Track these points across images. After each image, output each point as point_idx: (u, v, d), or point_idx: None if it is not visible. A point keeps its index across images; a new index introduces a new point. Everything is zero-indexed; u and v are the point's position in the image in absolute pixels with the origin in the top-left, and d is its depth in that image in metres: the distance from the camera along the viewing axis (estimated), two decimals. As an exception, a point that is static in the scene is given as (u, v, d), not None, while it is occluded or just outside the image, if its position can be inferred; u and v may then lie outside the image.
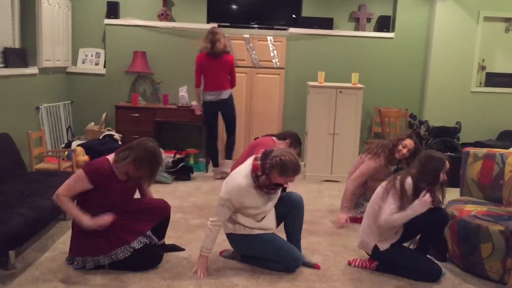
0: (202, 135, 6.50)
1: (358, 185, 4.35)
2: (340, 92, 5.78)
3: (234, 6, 6.59)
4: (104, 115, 6.20)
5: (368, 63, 6.50)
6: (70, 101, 6.33)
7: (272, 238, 3.36)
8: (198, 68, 5.64)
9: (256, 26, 6.49)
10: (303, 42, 6.44)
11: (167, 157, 5.84)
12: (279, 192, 3.40)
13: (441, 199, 3.41)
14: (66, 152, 5.11)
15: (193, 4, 6.40)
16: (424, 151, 3.63)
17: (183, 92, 6.29)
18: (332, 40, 6.45)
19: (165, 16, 6.31)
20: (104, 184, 3.15)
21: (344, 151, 5.85)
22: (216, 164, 5.93)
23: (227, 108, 5.77)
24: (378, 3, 6.52)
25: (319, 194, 5.35)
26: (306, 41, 6.44)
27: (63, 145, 5.74)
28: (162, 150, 5.23)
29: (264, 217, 3.33)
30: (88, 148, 5.41)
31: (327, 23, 6.42)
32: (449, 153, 5.96)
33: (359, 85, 5.84)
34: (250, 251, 3.41)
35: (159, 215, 3.43)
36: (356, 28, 6.54)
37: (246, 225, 3.30)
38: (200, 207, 4.72)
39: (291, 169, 3.13)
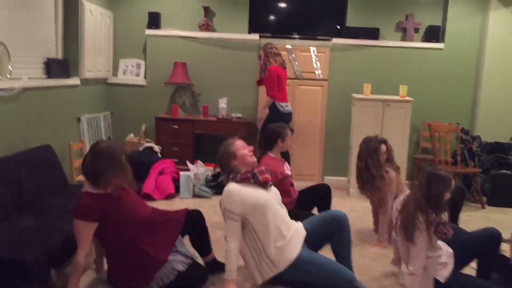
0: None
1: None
2: (388, 105, 5.53)
3: (276, 17, 6.43)
4: (143, 127, 6.13)
5: (415, 75, 6.22)
6: (110, 112, 6.28)
7: (320, 260, 3.08)
8: (276, 79, 5.44)
9: (298, 36, 6.32)
10: (347, 53, 6.22)
11: (207, 170, 5.71)
12: (270, 183, 3.13)
13: (456, 223, 3.13)
14: (106, 164, 5.01)
15: (234, 15, 6.28)
16: (426, 171, 3.24)
17: (223, 103, 6.15)
18: (378, 51, 6.21)
19: (206, 26, 6.21)
20: (105, 211, 2.93)
21: (391, 166, 5.58)
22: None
23: (290, 120, 5.68)
24: (426, 12, 6.25)
25: (366, 213, 5.08)
26: (351, 52, 6.22)
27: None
28: (190, 163, 5.15)
29: (283, 219, 3.04)
30: (128, 160, 5.31)
31: (372, 34, 6.19)
32: (503, 171, 5.63)
33: (407, 98, 5.58)
34: (298, 279, 3.07)
35: (178, 222, 3.17)
36: (403, 39, 6.28)
37: (278, 243, 2.96)
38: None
39: (237, 138, 3.20)
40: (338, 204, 5.10)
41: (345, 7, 6.31)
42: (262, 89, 5.75)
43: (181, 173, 5.36)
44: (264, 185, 3.05)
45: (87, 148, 5.34)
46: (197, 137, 6.05)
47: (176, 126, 5.91)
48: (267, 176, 3.10)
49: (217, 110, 6.20)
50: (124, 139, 6.11)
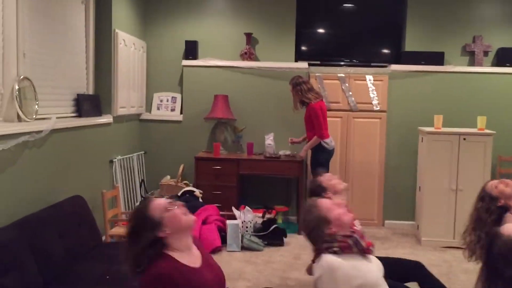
0: (290, 189, 5.65)
1: None
2: (464, 139, 4.79)
3: (325, 42, 5.79)
4: (181, 167, 5.47)
5: (488, 103, 5.48)
6: (143, 152, 5.66)
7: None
8: (321, 116, 4.87)
9: (351, 63, 5.67)
10: (408, 80, 5.53)
11: (255, 216, 5.00)
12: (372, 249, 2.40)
13: None
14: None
15: (279, 41, 5.67)
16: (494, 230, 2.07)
17: (269, 140, 5.48)
18: (444, 77, 5.50)
19: (248, 55, 5.60)
20: (180, 280, 2.03)
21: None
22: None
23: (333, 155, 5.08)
24: (496, 34, 5.56)
25: (450, 268, 4.29)
26: (412, 79, 5.53)
27: (138, 204, 5.01)
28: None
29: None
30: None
31: (436, 58, 5.50)
32: None
33: (487, 131, 4.83)
34: None
35: None
36: (471, 63, 5.58)
37: None
38: (308, 285, 3.79)
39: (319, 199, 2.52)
40: (411, 255, 4.33)
41: (403, 29, 5.67)
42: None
43: (228, 222, 4.66)
44: (366, 252, 2.34)
45: (120, 194, 4.70)
46: (241, 179, 5.37)
47: (218, 167, 5.24)
48: (368, 240, 2.39)
49: (263, 147, 5.53)
50: (159, 182, 5.45)
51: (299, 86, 4.96)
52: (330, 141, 4.99)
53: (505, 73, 5.44)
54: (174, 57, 5.74)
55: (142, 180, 5.51)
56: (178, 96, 5.77)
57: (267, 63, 5.60)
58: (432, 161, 4.82)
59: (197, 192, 5.03)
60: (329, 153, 5.02)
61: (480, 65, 5.51)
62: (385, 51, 5.72)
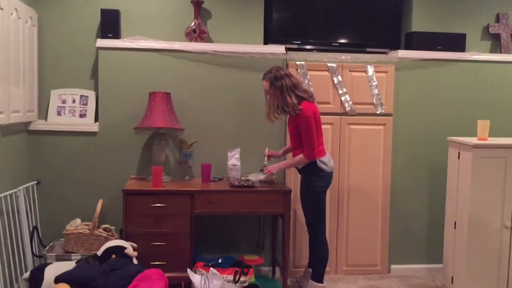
0: (263, 229, 3.92)
1: None
2: (524, 154, 3.36)
3: (308, 19, 4.09)
4: (99, 205, 3.48)
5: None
6: (35, 182, 3.62)
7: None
8: (314, 126, 3.28)
9: (342, 48, 4.05)
10: (420, 72, 4.03)
11: (225, 280, 3.21)
12: None
13: None
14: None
15: (242, 16, 3.91)
16: None
17: (234, 159, 3.70)
18: (466, 68, 4.07)
19: (198, 34, 3.78)
20: None
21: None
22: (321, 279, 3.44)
23: None
24: (524, 11, 4.25)
25: None
26: (426, 70, 4.04)
27: (26, 275, 2.95)
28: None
29: None
30: (79, 283, 2.70)
31: (456, 42, 4.06)
32: None
33: (554, 142, 3.45)
34: None
35: None
36: (494, 49, 4.21)
37: None
38: None
39: None
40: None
41: (406, 3, 4.15)
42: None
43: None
44: None
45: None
46: (198, 222, 3.52)
47: (160, 204, 3.35)
48: None
49: (224, 169, 3.74)
50: (63, 231, 3.43)
51: (280, 81, 3.26)
52: (328, 160, 3.38)
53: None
54: (83, 35, 3.76)
55: (34, 228, 3.47)
56: (91, 94, 3.79)
57: (226, 46, 3.80)
58: (477, 186, 3.34)
59: (130, 249, 3.11)
60: (328, 177, 3.41)
61: (508, 51, 4.15)
62: (389, 32, 4.15)
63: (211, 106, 3.82)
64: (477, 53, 4.05)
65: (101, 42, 3.68)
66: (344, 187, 3.95)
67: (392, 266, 4.07)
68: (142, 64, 3.74)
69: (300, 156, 3.29)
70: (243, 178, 3.65)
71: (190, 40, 3.79)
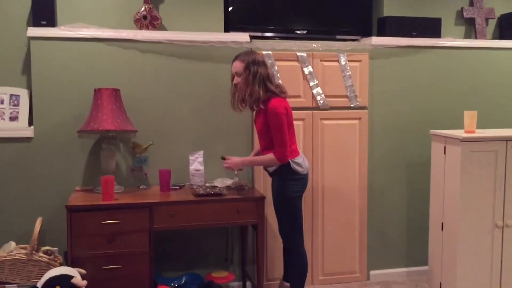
0: (231, 241, 3.49)
1: None
2: (515, 146, 3.11)
3: (271, 2, 3.66)
4: (37, 224, 2.92)
5: (495, 89, 3.92)
6: (-42, 200, 3.02)
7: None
8: (285, 123, 2.88)
9: (310, 36, 3.66)
10: (395, 60, 3.71)
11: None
12: None
13: None
14: None
15: (199, 1, 3.43)
16: None
17: (196, 163, 3.24)
18: (442, 55, 3.79)
19: (150, 20, 3.27)
20: None
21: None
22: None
23: None
24: (497, -5, 4.02)
25: None
26: (401, 58, 3.72)
27: None
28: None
29: None
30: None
31: (431, 27, 3.77)
32: None
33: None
34: None
35: None
36: (468, 34, 3.96)
37: None
38: None
39: None
40: None
41: (380, -14, 3.83)
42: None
43: None
44: None
45: None
46: (156, 237, 3.02)
47: (112, 221, 2.84)
48: None
49: (185, 175, 3.28)
50: (-5, 257, 2.86)
51: (256, 67, 2.86)
52: (302, 161, 2.99)
53: (518, 49, 3.92)
54: (10, 22, 3.17)
55: (-41, 257, 2.87)
56: (24, 93, 3.20)
57: (183, 34, 3.32)
58: (467, 183, 3.05)
59: (77, 277, 2.58)
60: (304, 180, 3.02)
61: (483, 37, 3.91)
62: (355, 17, 3.80)
63: (167, 104, 3.33)
64: (453, 39, 3.78)
65: (33, 31, 3.10)
66: (318, 188, 3.58)
67: (371, 272, 3.76)
68: (84, 57, 3.19)
69: (270, 155, 2.88)
70: (208, 184, 3.20)
71: (140, 28, 3.28)
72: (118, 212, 2.85)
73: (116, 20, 3.29)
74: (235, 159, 2.99)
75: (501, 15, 3.99)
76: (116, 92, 3.09)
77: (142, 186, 3.25)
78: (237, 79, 2.90)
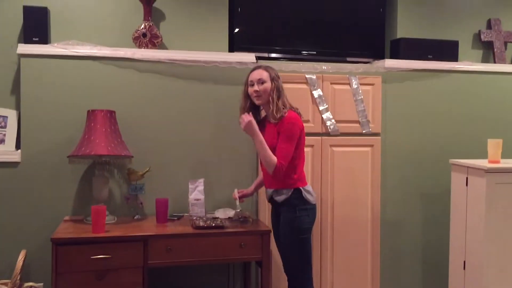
0: (232, 281, 3.20)
1: None
2: (544, 179, 2.85)
3: (279, 22, 3.46)
4: (20, 257, 2.64)
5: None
6: None
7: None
8: (297, 136, 2.67)
9: (320, 58, 3.45)
10: (410, 84, 3.50)
11: None
12: None
13: None
14: None
15: (202, 18, 3.24)
16: None
17: (197, 191, 2.99)
18: (459, 79, 3.57)
19: (149, 39, 3.07)
20: None
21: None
22: None
23: None
24: (514, 17, 3.83)
25: None
26: (416, 82, 3.50)
27: None
28: None
29: None
30: None
31: (447, 50, 3.56)
32: None
33: None
34: None
35: None
36: (486, 58, 3.76)
37: None
38: None
39: None
40: None
41: (388, 7, 3.64)
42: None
43: None
44: None
45: None
46: (151, 274, 2.75)
47: (103, 255, 2.57)
48: None
49: (185, 205, 3.02)
50: (-28, 294, 2.58)
51: (280, 81, 2.71)
52: (311, 190, 2.73)
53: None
54: (0, 37, 2.96)
55: None
56: (12, 114, 2.97)
57: (185, 54, 3.11)
58: (492, 218, 2.79)
59: (61, 320, 2.31)
60: (314, 211, 2.77)
61: (503, 61, 3.71)
62: (367, 38, 3.60)
63: (166, 127, 3.10)
64: (471, 63, 3.57)
65: (24, 48, 2.89)
66: (328, 220, 3.32)
67: (385, 311, 3.46)
68: (78, 76, 2.97)
69: (274, 158, 2.59)
70: (208, 215, 2.94)
71: (140, 46, 3.07)
72: (110, 246, 2.58)
73: (114, 38, 3.09)
74: (252, 123, 2.63)
75: (520, 39, 3.79)
76: (111, 114, 2.86)
77: (137, 217, 2.99)
78: (260, 86, 2.67)
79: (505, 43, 3.74)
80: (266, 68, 2.72)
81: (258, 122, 2.74)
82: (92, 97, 2.97)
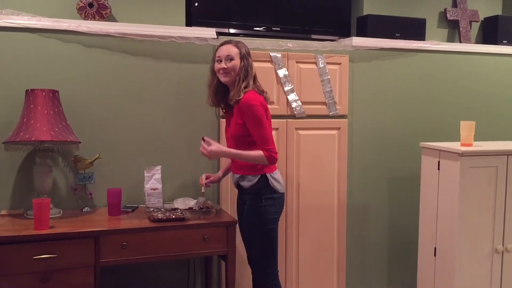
0: (193, 276, 2.97)
1: None
2: (516, 161, 2.78)
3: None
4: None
5: (484, 98, 3.63)
6: None
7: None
8: (264, 114, 2.46)
9: (283, 34, 3.22)
10: (378, 63, 3.34)
11: None
12: None
13: None
14: None
15: (157, -14, 2.93)
16: None
17: (153, 180, 2.71)
18: (427, 59, 3.45)
19: (97, 9, 2.72)
20: None
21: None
22: None
23: None
24: (481, -4, 3.75)
25: None
26: (384, 61, 3.35)
27: None
28: None
29: None
30: None
31: (414, 29, 3.42)
32: None
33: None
34: None
35: None
36: (451, 37, 3.66)
37: None
38: None
39: None
40: None
41: (359, -19, 3.46)
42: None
43: None
44: None
45: None
46: (105, 275, 2.46)
47: (48, 255, 2.26)
48: None
49: (140, 197, 2.74)
50: None
51: (250, 60, 2.48)
52: (279, 177, 2.54)
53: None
54: None
55: None
56: None
57: (138, 27, 2.78)
58: (465, 203, 2.70)
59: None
60: (281, 200, 2.59)
61: (468, 41, 3.62)
62: (333, 15, 3.40)
63: (117, 109, 2.78)
64: (437, 42, 3.45)
65: None
66: (293, 206, 3.14)
67: (351, 298, 3.35)
68: (14, 50, 2.60)
69: (259, 152, 2.39)
70: (167, 206, 2.68)
71: (85, 18, 2.73)
72: (55, 244, 2.27)
73: (55, 8, 2.72)
74: (214, 147, 2.44)
75: (485, 18, 3.72)
76: (53, 94, 2.52)
77: (86, 209, 2.68)
78: (228, 63, 2.42)
79: (470, 22, 3.65)
80: (237, 44, 2.47)
81: (228, 106, 2.51)
82: (31, 75, 2.61)
